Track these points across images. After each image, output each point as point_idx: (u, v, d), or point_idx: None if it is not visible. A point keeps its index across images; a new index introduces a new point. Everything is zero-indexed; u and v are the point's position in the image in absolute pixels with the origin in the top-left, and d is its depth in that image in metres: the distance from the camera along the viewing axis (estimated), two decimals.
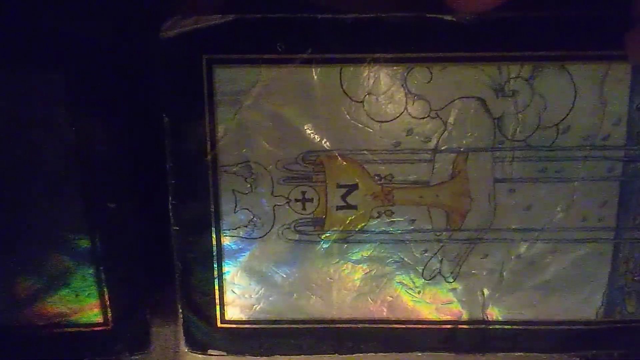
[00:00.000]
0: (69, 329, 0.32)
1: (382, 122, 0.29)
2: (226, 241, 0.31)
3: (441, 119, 0.29)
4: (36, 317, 0.32)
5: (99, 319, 0.32)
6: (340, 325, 0.32)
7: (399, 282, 0.32)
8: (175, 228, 0.30)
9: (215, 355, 0.33)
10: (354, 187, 0.30)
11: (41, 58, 0.28)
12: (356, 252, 0.31)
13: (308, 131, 0.29)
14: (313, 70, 0.28)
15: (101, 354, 0.33)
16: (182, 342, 0.32)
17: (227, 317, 0.32)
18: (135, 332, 0.33)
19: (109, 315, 0.32)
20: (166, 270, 0.32)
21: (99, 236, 0.31)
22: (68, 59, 0.28)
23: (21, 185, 0.30)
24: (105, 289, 0.32)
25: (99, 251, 0.31)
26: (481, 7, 0.26)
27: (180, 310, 0.32)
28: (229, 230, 0.31)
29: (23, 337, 0.33)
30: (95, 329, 0.32)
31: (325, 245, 0.31)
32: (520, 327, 0.32)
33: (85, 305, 0.32)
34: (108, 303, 0.32)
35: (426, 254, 0.31)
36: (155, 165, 0.30)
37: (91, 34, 0.28)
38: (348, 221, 0.31)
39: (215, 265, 0.31)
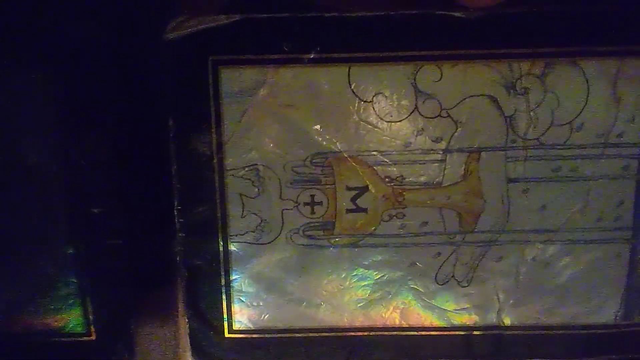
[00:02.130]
0: (51, 339, 0.31)
1: (391, 122, 0.28)
2: (233, 247, 0.30)
3: (452, 118, 0.28)
4: (17, 326, 0.31)
5: (82, 329, 0.31)
6: (352, 334, 0.31)
7: (412, 288, 0.31)
8: (180, 234, 0.30)
9: None
10: (364, 189, 0.29)
11: (40, 58, 0.27)
12: (367, 257, 0.30)
13: (316, 132, 0.29)
14: (321, 70, 0.28)
15: None
16: (188, 353, 0.32)
17: (235, 326, 0.31)
18: (118, 343, 0.32)
19: (92, 325, 0.31)
20: (162, 277, 0.31)
21: (83, 244, 0.30)
22: (69, 60, 0.27)
23: (3, 189, 0.29)
24: (88, 299, 0.31)
25: (83, 259, 0.30)
26: (490, 1, 0.26)
27: (186, 320, 0.31)
28: (236, 235, 0.30)
29: (3, 347, 0.31)
30: (78, 339, 0.32)
31: (335, 250, 0.30)
32: (537, 333, 0.31)
33: (67, 315, 0.31)
34: (91, 313, 0.31)
35: (439, 258, 0.30)
36: (151, 169, 0.29)
37: (95, 35, 0.27)
38: (358, 225, 0.30)
39: (222, 273, 0.30)
